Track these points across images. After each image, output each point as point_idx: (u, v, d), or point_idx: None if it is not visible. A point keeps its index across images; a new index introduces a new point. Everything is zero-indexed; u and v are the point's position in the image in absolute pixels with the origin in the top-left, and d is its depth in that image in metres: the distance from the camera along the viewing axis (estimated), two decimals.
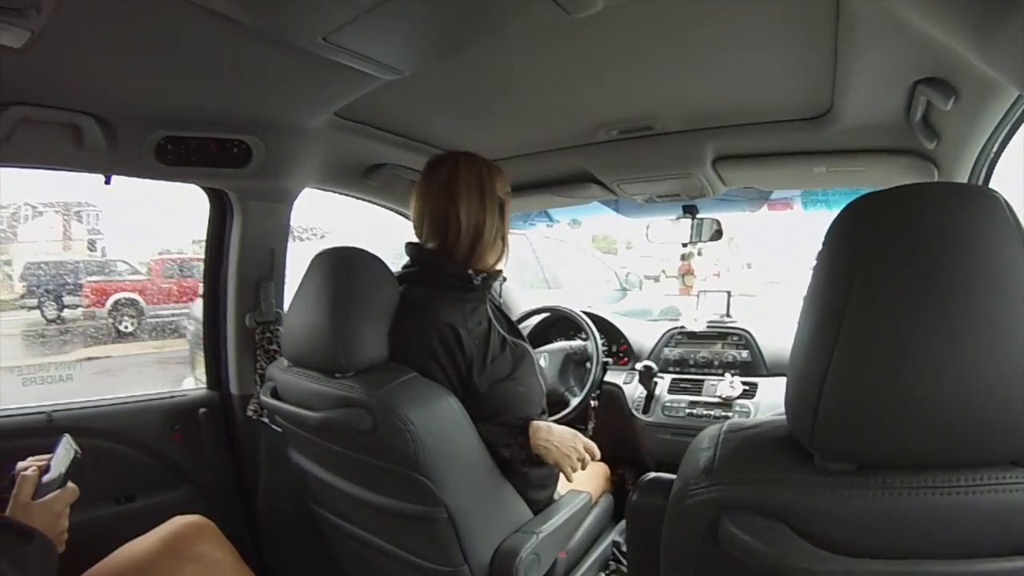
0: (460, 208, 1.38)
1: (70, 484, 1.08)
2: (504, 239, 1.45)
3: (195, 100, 1.33)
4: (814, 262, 0.66)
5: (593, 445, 1.42)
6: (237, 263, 1.73)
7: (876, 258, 0.60)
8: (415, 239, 1.45)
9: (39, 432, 1.17)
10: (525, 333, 2.30)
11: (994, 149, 1.25)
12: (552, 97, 1.45)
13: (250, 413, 1.73)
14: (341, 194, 1.93)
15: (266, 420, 1.70)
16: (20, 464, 1.10)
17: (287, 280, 1.81)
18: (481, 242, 1.40)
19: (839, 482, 0.63)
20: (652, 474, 0.85)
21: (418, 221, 1.44)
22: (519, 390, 1.42)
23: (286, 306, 1.72)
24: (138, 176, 1.52)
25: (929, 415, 0.57)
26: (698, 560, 0.72)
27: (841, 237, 0.64)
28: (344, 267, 1.30)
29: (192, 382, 1.84)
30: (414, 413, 1.19)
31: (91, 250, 6.15)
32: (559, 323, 2.35)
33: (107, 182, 1.48)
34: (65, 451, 1.11)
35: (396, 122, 1.62)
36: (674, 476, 0.77)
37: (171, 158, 1.46)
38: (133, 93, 1.28)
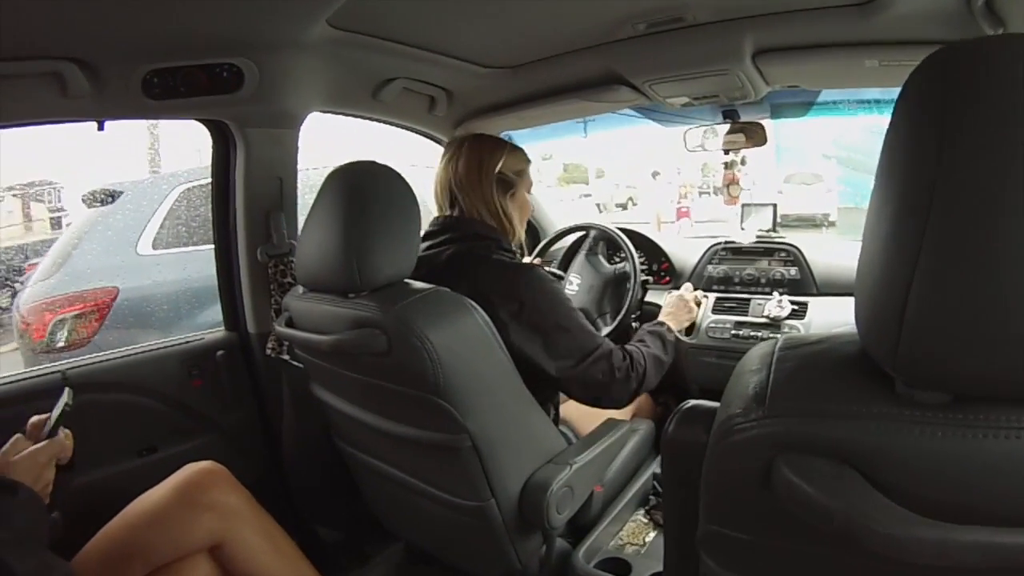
0: (467, 195, 1.43)
1: (60, 435, 1.07)
2: (505, 213, 1.46)
3: (174, 24, 1.24)
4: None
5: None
6: (244, 196, 1.64)
7: (969, 122, 0.44)
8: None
9: (55, 392, 1.16)
10: (559, 254, 2.20)
11: None
12: None
13: (268, 351, 1.66)
14: (353, 116, 1.82)
15: (286, 357, 1.64)
16: (32, 419, 1.10)
17: None
18: (494, 219, 1.45)
19: (928, 418, 0.49)
20: (691, 401, 0.71)
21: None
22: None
23: None
24: (128, 117, 1.46)
25: None
26: (746, 510, 0.59)
27: (917, 102, 0.48)
28: (359, 181, 1.21)
29: None
30: (432, 331, 1.10)
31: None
32: (595, 242, 2.22)
33: (100, 128, 1.41)
34: (59, 403, 1.10)
35: (402, 31, 1.49)
36: (718, 404, 0.63)
37: (159, 92, 1.37)
38: (110, 28, 1.19)
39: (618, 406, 1.42)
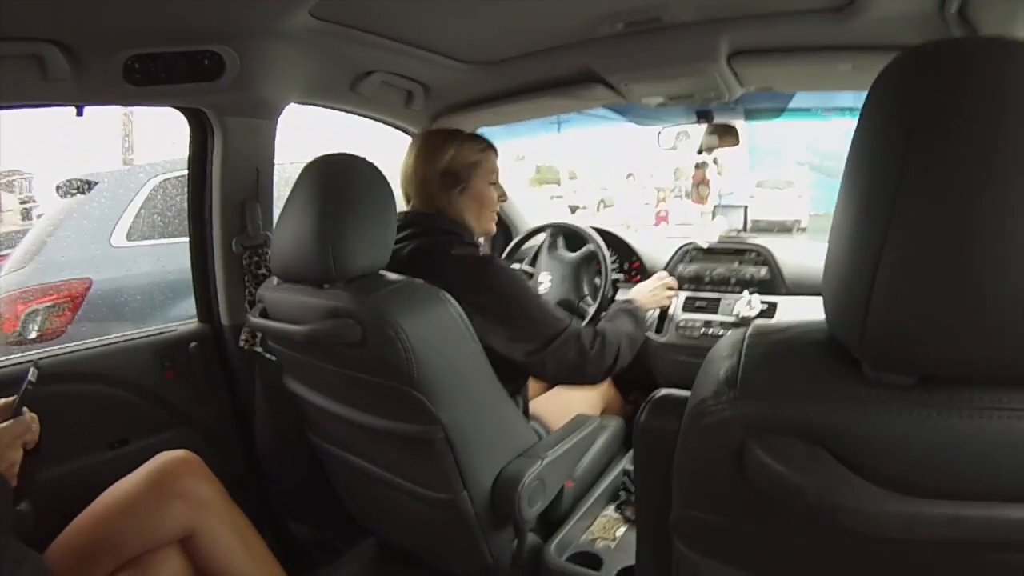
0: (417, 191, 1.47)
1: (24, 415, 1.05)
2: (453, 208, 1.46)
3: (157, 10, 1.22)
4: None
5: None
6: (220, 185, 1.63)
7: (935, 119, 0.46)
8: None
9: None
10: (530, 254, 2.20)
11: None
12: None
13: (242, 343, 1.65)
14: (330, 108, 1.80)
15: (259, 349, 1.63)
16: None
17: None
18: (448, 209, 1.45)
19: (894, 398, 0.50)
20: (663, 390, 0.71)
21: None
22: None
23: None
24: (109, 102, 1.44)
25: (1004, 315, 0.45)
26: (718, 492, 0.60)
27: (887, 99, 0.50)
28: (335, 173, 1.21)
29: None
30: (407, 321, 1.10)
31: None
32: (553, 237, 2.22)
33: (79, 114, 1.39)
34: (23, 383, 1.09)
35: (383, 24, 1.48)
36: (689, 393, 0.63)
37: (140, 78, 1.34)
38: (93, 11, 1.17)
39: (593, 382, 1.44)
